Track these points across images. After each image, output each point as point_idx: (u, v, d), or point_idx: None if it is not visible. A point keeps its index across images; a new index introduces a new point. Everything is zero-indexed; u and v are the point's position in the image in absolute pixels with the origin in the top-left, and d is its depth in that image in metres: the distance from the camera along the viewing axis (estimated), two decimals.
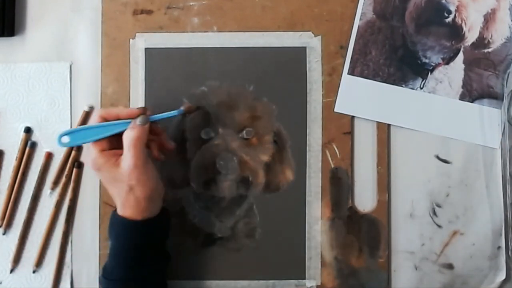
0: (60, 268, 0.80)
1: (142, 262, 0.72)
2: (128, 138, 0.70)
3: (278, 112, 0.80)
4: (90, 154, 0.71)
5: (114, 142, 0.72)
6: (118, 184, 0.70)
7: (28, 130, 0.80)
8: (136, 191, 0.70)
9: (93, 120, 0.72)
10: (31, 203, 0.80)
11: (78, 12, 0.81)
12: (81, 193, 0.81)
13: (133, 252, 0.71)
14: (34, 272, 0.80)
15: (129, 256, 0.72)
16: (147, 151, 0.71)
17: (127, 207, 0.71)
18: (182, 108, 0.75)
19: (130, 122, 0.71)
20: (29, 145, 0.80)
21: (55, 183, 0.80)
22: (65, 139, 0.72)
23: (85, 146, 0.74)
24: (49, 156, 0.80)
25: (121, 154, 0.70)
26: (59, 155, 0.80)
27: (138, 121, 0.71)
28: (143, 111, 0.72)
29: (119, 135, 0.71)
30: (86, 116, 0.80)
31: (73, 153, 0.80)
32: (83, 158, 0.74)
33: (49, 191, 0.80)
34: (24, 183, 0.81)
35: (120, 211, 0.71)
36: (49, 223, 0.80)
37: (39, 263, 0.80)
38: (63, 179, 0.80)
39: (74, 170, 0.80)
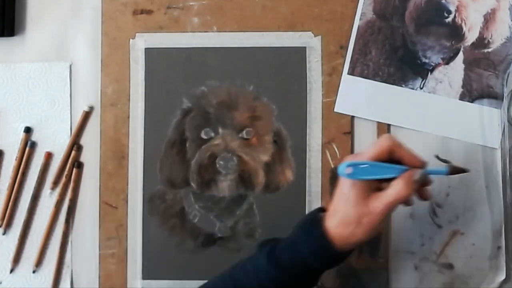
0: (60, 268, 0.80)
1: (302, 280, 0.67)
2: (398, 191, 0.64)
3: (278, 112, 0.80)
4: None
5: None
6: (352, 208, 0.65)
7: (28, 130, 0.80)
8: (358, 228, 0.65)
9: (380, 146, 0.66)
10: (31, 203, 0.80)
11: (78, 12, 0.81)
12: (81, 193, 0.81)
13: (307, 270, 0.66)
14: (34, 272, 0.80)
15: (301, 269, 0.66)
16: None
17: (339, 230, 0.65)
18: (446, 169, 0.69)
19: (404, 169, 0.66)
20: (29, 145, 0.80)
21: (55, 183, 0.80)
22: (349, 170, 0.65)
23: (359, 155, 0.67)
24: (49, 156, 0.80)
25: (380, 187, 0.66)
26: (59, 155, 0.80)
27: (417, 176, 0.65)
28: (423, 165, 0.67)
29: None
30: (86, 116, 0.80)
31: (73, 153, 0.80)
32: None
33: (49, 191, 0.80)
34: (24, 183, 0.81)
35: (330, 225, 0.66)
36: (49, 223, 0.80)
37: (39, 263, 0.80)
38: (63, 179, 0.80)
39: (74, 170, 0.80)
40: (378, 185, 0.66)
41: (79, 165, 0.80)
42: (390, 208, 0.65)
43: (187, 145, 0.79)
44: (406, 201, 0.68)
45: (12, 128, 0.81)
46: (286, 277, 0.66)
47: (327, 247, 0.65)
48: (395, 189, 0.65)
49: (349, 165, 0.65)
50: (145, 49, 0.80)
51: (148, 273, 0.80)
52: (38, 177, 0.80)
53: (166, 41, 0.80)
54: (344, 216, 0.65)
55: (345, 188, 0.66)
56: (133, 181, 0.80)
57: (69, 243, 0.80)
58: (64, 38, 0.81)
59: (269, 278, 0.66)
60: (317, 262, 0.66)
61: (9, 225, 0.80)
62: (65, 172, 0.80)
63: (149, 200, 0.80)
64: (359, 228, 0.65)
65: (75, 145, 0.80)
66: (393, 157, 0.66)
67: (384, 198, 0.65)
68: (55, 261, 0.80)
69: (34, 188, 0.80)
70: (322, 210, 0.69)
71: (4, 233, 0.80)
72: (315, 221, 0.67)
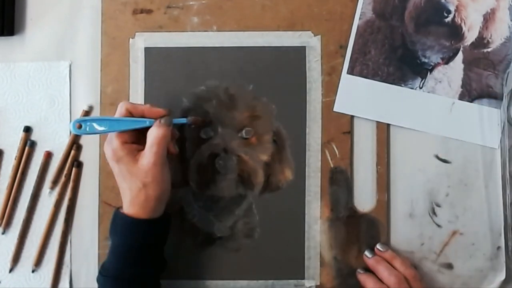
0: (59, 268, 0.80)
1: (142, 262, 0.72)
2: (153, 135, 0.71)
3: (277, 111, 0.80)
4: (111, 144, 0.71)
5: (135, 138, 0.72)
6: (132, 179, 0.70)
7: (27, 130, 0.80)
8: (148, 189, 0.70)
9: (119, 112, 0.72)
10: (31, 202, 0.80)
11: (77, 11, 0.81)
12: (80, 192, 0.81)
13: (134, 251, 0.71)
14: (33, 271, 0.80)
15: (129, 255, 0.71)
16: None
17: (135, 205, 0.71)
18: (188, 119, 0.76)
19: (152, 121, 0.71)
20: (28, 144, 0.80)
21: (54, 182, 0.80)
22: (78, 125, 0.72)
23: (108, 136, 0.73)
24: (49, 156, 0.80)
25: (141, 150, 0.71)
26: (59, 154, 0.80)
27: (163, 120, 0.71)
28: (168, 113, 0.73)
29: (140, 132, 0.72)
30: (86, 115, 0.80)
31: (72, 152, 0.80)
32: (104, 149, 0.73)
33: (48, 190, 0.80)
34: (23, 183, 0.81)
35: (126, 209, 0.71)
36: (48, 222, 0.80)
37: (38, 262, 0.80)
38: (62, 179, 0.80)
39: (74, 169, 0.80)
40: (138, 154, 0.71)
41: (78, 165, 0.80)
42: (160, 155, 0.70)
43: (186, 144, 0.79)
44: (169, 149, 0.74)
45: (11, 127, 0.81)
46: (124, 275, 0.71)
47: (136, 223, 0.71)
48: (152, 135, 0.70)
49: (78, 122, 0.71)
50: (145, 48, 0.80)
51: None
52: (38, 177, 0.80)
53: (166, 40, 0.80)
54: (130, 191, 0.71)
55: (115, 169, 0.72)
56: None
57: (68, 242, 0.80)
58: (64, 37, 0.81)
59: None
60: (137, 240, 0.71)
61: (8, 224, 0.80)
62: (65, 172, 0.80)
63: None
64: (149, 190, 0.70)
65: (75, 145, 0.80)
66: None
67: (149, 150, 0.70)
68: (54, 260, 0.80)
69: (34, 187, 0.80)
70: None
71: (3, 233, 0.80)
72: (116, 216, 0.73)
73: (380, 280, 0.76)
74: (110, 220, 0.73)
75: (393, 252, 0.78)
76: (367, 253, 0.78)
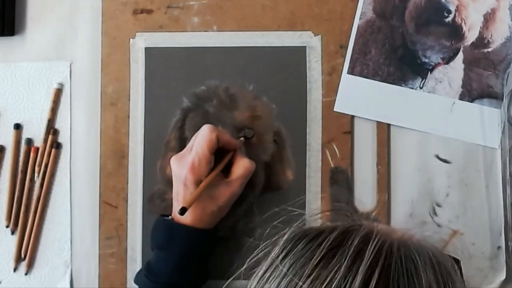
0: (59, 267, 0.80)
1: (190, 271, 0.73)
2: (247, 167, 0.73)
3: (278, 111, 0.80)
4: (198, 169, 0.70)
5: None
6: (208, 201, 0.71)
7: (18, 127, 0.81)
8: (221, 212, 0.73)
9: (210, 138, 0.71)
10: (30, 202, 0.80)
11: (78, 11, 0.81)
12: (80, 192, 0.80)
13: (186, 259, 0.72)
14: (33, 271, 0.80)
15: (181, 262, 0.72)
16: None
17: (203, 221, 0.72)
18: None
19: None
20: (25, 142, 0.80)
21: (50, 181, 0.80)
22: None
23: (191, 157, 0.71)
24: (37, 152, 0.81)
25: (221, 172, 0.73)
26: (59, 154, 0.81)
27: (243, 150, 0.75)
28: (241, 145, 0.75)
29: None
30: (57, 93, 0.80)
31: (50, 137, 0.80)
32: (180, 169, 0.71)
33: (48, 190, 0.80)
34: (24, 182, 0.80)
35: (191, 223, 0.71)
36: (48, 222, 0.80)
37: (38, 262, 0.80)
38: (43, 165, 0.80)
39: (53, 151, 0.80)
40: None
41: (58, 146, 0.80)
42: (243, 186, 0.74)
43: (186, 144, 0.79)
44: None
45: (12, 127, 0.81)
46: (171, 281, 0.72)
47: (200, 234, 0.72)
48: (245, 168, 0.73)
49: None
50: (145, 48, 0.80)
51: None
52: (29, 174, 0.80)
53: (166, 40, 0.80)
54: (201, 210, 0.71)
55: (190, 188, 0.70)
56: (133, 181, 0.80)
57: (69, 242, 0.80)
58: (64, 37, 0.81)
59: None
60: (190, 249, 0.72)
61: (16, 224, 0.80)
62: (44, 158, 0.80)
63: (149, 200, 0.80)
64: (220, 213, 0.73)
65: (51, 129, 0.80)
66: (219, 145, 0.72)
67: (237, 181, 0.73)
68: (55, 260, 0.80)
69: (33, 187, 0.80)
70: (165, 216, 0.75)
71: (12, 233, 0.80)
72: (168, 224, 0.73)
73: None
74: (161, 229, 0.73)
75: None
76: None
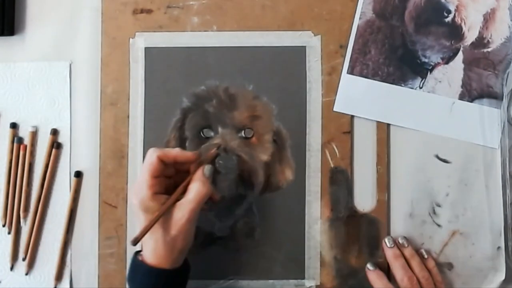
0: (59, 268, 0.80)
1: None
2: (196, 191, 0.67)
3: (277, 111, 0.80)
4: (140, 194, 0.67)
5: (167, 183, 0.69)
6: (159, 232, 0.66)
7: (14, 126, 0.81)
8: (176, 243, 0.67)
9: (150, 161, 0.67)
10: (28, 201, 0.80)
11: (77, 11, 0.81)
12: (81, 192, 0.80)
13: None
14: (33, 271, 0.80)
15: None
16: None
17: (159, 256, 0.67)
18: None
19: None
20: (16, 141, 0.80)
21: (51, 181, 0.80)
22: None
23: (137, 183, 0.69)
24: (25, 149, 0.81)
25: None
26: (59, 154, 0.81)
27: (207, 172, 0.69)
28: (199, 156, 0.70)
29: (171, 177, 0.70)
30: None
31: (50, 137, 0.80)
32: (130, 195, 0.71)
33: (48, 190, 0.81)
34: (16, 180, 0.80)
35: (149, 258, 0.67)
36: (48, 222, 0.80)
37: (38, 262, 0.80)
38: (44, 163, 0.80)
39: (53, 151, 0.80)
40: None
41: (58, 146, 0.80)
42: (196, 212, 0.67)
43: (186, 144, 0.79)
44: (211, 199, 0.70)
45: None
46: None
47: (158, 274, 0.67)
48: (195, 191, 0.67)
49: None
50: (145, 48, 0.80)
51: None
52: (26, 174, 0.81)
53: (166, 40, 0.80)
54: (155, 242, 0.67)
55: (141, 217, 0.67)
56: (133, 181, 0.80)
57: (69, 242, 0.80)
58: (64, 37, 0.81)
59: None
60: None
61: (11, 224, 0.80)
62: (45, 158, 0.80)
63: None
64: (176, 244, 0.67)
65: (51, 129, 0.81)
66: (168, 164, 0.68)
67: (187, 206, 0.66)
68: (55, 260, 0.80)
69: (33, 187, 0.80)
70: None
71: (9, 233, 0.80)
72: (137, 265, 0.69)
73: (388, 278, 0.77)
74: (129, 266, 0.70)
75: (413, 250, 0.78)
76: (386, 240, 0.78)
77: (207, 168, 0.69)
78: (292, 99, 0.80)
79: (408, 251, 0.78)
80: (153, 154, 0.67)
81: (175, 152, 0.69)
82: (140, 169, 0.70)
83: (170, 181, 0.70)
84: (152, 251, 0.67)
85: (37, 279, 0.80)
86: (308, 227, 0.79)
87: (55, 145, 0.80)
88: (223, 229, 0.80)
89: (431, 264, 0.78)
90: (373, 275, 0.77)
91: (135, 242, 0.65)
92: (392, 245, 0.78)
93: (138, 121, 0.80)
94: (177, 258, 0.68)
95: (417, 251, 0.79)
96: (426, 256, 0.78)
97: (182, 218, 0.66)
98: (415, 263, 0.77)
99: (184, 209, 0.67)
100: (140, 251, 0.70)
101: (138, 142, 0.80)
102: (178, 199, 0.67)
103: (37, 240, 0.80)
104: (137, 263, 0.69)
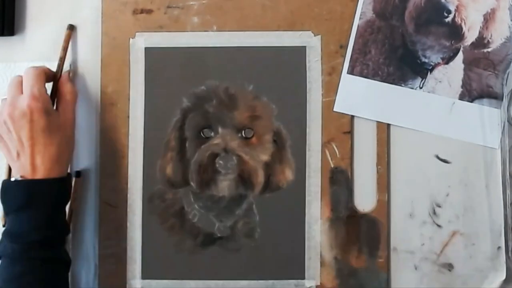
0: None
1: (55, 225, 0.72)
2: (69, 90, 0.77)
3: (277, 111, 0.80)
4: (38, 96, 0.72)
5: None
6: (59, 134, 0.73)
7: None
8: (70, 145, 0.76)
9: (42, 69, 0.75)
10: None
11: (77, 11, 0.81)
12: (81, 192, 0.80)
13: (51, 213, 0.72)
14: None
15: (46, 217, 0.71)
16: None
17: (61, 163, 0.73)
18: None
19: None
20: None
21: None
22: None
23: (28, 89, 0.73)
24: None
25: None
26: None
27: (71, 74, 0.79)
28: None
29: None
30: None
31: None
32: (26, 103, 0.71)
33: None
34: None
35: (47, 169, 0.72)
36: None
37: None
38: None
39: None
40: None
41: (78, 175, 0.80)
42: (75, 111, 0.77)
43: (186, 144, 0.79)
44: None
45: None
46: (37, 239, 0.70)
47: (58, 182, 0.73)
48: (68, 90, 0.77)
49: None
50: (145, 48, 0.80)
51: (147, 273, 0.79)
52: None
53: (166, 40, 0.80)
54: (57, 147, 0.73)
55: (41, 123, 0.71)
56: (133, 181, 0.80)
57: (69, 242, 0.80)
58: (64, 37, 0.81)
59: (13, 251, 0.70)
60: (53, 202, 0.72)
61: None
62: None
63: (148, 200, 0.80)
64: (71, 146, 0.77)
65: None
66: None
67: (68, 106, 0.77)
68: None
69: None
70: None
71: None
72: (22, 183, 0.72)
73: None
74: (18, 191, 0.71)
75: None
76: None
77: (69, 71, 0.79)
78: (292, 99, 0.80)
79: None
80: (38, 67, 0.76)
81: (46, 68, 0.77)
82: (25, 83, 0.74)
83: None
84: (55, 159, 0.72)
85: None
86: (308, 227, 0.79)
87: None
88: (223, 229, 0.80)
89: None
90: None
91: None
92: None
93: (138, 121, 0.80)
94: (65, 167, 0.75)
95: None
96: None
97: (71, 118, 0.76)
98: None
99: (69, 109, 0.76)
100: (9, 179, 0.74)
101: (138, 142, 0.80)
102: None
103: None
104: (35, 182, 0.71)
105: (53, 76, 0.77)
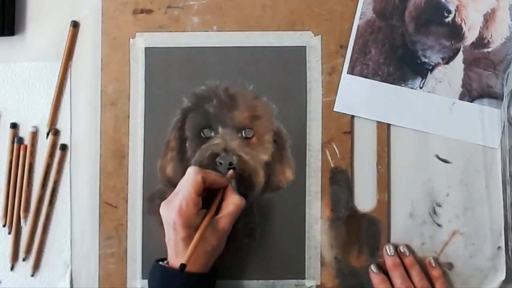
0: (60, 268, 0.80)
1: None
2: (236, 204, 0.74)
3: (278, 111, 0.80)
4: (186, 212, 0.71)
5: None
6: (201, 243, 0.71)
7: (14, 126, 0.81)
8: (215, 252, 0.74)
9: (195, 179, 0.72)
10: (28, 201, 0.80)
11: (77, 11, 0.81)
12: (81, 192, 0.80)
13: None
14: (33, 271, 0.80)
15: None
16: None
17: (197, 264, 0.72)
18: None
19: None
20: (16, 141, 0.80)
21: (55, 182, 0.80)
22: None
23: (177, 202, 0.72)
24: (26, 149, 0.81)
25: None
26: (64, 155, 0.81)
27: (235, 187, 0.76)
28: (228, 182, 0.75)
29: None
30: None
31: (51, 137, 0.80)
32: (169, 213, 0.72)
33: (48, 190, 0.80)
34: (16, 180, 0.80)
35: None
36: (49, 222, 0.80)
37: (38, 262, 0.80)
38: (47, 164, 0.80)
39: (59, 152, 0.80)
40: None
41: (63, 147, 0.80)
42: (233, 222, 0.74)
43: (187, 144, 0.79)
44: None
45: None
46: None
47: (198, 278, 0.72)
48: (235, 204, 0.73)
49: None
50: (145, 48, 0.80)
51: (147, 273, 0.79)
52: (26, 174, 0.81)
53: (166, 40, 0.80)
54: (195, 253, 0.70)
55: (181, 234, 0.71)
56: (133, 181, 0.80)
57: (69, 242, 0.80)
58: (64, 37, 0.81)
59: None
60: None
61: (12, 224, 0.80)
62: (47, 159, 0.80)
63: (149, 200, 0.80)
64: (215, 252, 0.74)
65: (53, 130, 0.80)
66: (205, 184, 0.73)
67: (228, 218, 0.73)
68: (55, 260, 0.80)
69: (33, 187, 0.80)
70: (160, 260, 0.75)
71: (9, 233, 0.80)
72: (167, 272, 0.72)
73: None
74: (157, 275, 0.73)
75: (414, 260, 0.78)
76: (387, 248, 0.78)
77: (234, 183, 0.76)
78: (292, 99, 0.80)
79: (408, 260, 0.78)
80: (197, 174, 0.72)
81: (214, 175, 0.73)
82: (182, 188, 0.72)
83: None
84: (192, 261, 0.70)
85: (37, 279, 0.80)
86: (308, 227, 0.79)
87: (61, 147, 0.80)
88: None
89: (437, 273, 0.78)
90: (376, 279, 0.77)
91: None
92: (393, 253, 0.78)
93: (138, 121, 0.80)
94: (210, 265, 0.74)
95: (426, 259, 0.79)
96: (434, 265, 0.78)
97: (224, 228, 0.73)
98: (415, 272, 0.77)
99: (225, 222, 0.73)
100: (162, 259, 0.74)
101: (138, 142, 0.80)
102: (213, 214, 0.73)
103: (41, 241, 0.80)
104: (172, 271, 0.72)
105: (214, 182, 0.74)
